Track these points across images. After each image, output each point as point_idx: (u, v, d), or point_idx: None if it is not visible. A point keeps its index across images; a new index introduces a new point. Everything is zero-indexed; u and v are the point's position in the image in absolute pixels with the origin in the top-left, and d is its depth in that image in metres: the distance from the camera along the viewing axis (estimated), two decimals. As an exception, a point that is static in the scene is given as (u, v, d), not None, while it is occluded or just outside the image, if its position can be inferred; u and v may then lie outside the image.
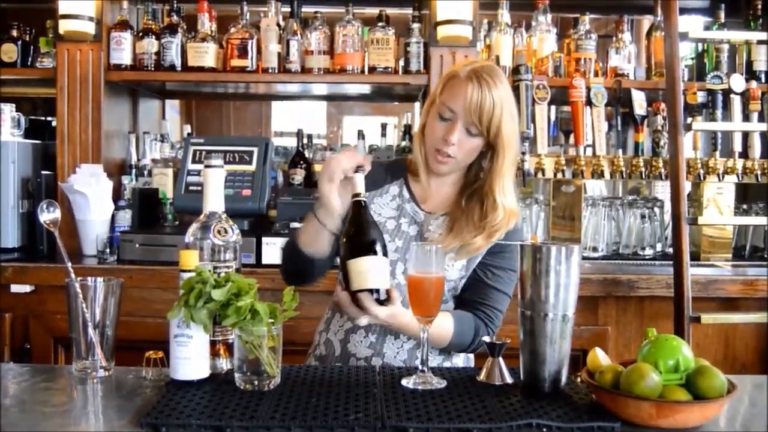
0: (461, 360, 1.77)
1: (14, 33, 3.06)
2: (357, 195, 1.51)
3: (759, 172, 2.86)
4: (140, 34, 2.94)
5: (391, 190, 1.76)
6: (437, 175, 1.73)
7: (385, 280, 1.44)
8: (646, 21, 3.42)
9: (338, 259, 1.52)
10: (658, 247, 3.00)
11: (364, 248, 1.43)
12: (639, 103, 2.89)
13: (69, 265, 1.44)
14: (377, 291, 1.42)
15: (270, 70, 2.91)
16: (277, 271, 1.77)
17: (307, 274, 1.68)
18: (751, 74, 3.01)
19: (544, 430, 1.14)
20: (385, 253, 1.45)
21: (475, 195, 1.70)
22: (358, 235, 1.45)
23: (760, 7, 3.08)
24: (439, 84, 1.69)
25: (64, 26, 2.85)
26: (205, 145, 2.77)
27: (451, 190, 1.75)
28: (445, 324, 1.61)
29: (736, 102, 2.82)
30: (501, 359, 1.39)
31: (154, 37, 2.92)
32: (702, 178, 2.86)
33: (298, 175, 3.10)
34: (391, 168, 1.81)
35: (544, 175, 2.83)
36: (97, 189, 2.75)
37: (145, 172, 3.10)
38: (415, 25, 2.93)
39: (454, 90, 1.62)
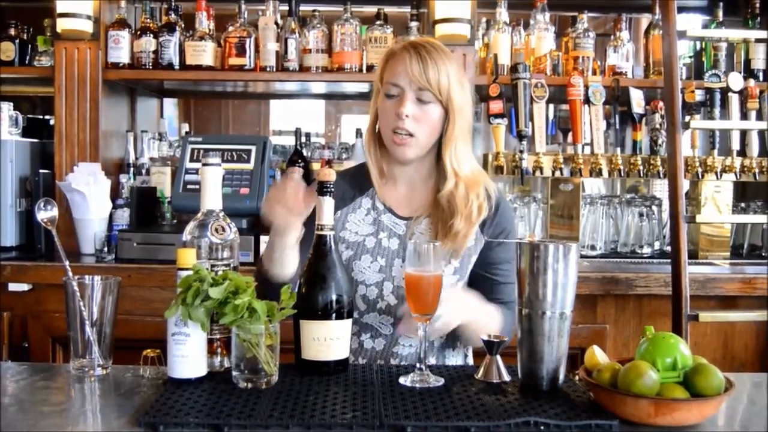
0: (460, 359, 1.74)
1: (12, 32, 3.06)
2: (322, 227, 1.35)
3: (757, 171, 2.86)
4: (138, 32, 2.94)
5: (363, 203, 1.68)
6: (402, 165, 1.64)
7: (345, 349, 1.33)
8: (645, 19, 3.42)
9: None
10: (657, 245, 3.01)
11: (323, 308, 1.30)
12: (637, 101, 2.89)
13: (67, 263, 1.44)
14: (332, 363, 1.32)
15: (268, 69, 2.91)
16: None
17: None
18: (749, 72, 3.01)
19: (542, 428, 1.14)
20: (349, 313, 1.31)
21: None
22: (318, 287, 1.31)
23: (758, 5, 3.08)
24: (379, 68, 1.63)
25: (61, 25, 2.85)
26: (203, 143, 2.76)
27: (424, 186, 1.68)
28: (494, 309, 1.58)
29: (734, 100, 2.82)
30: (499, 357, 1.39)
31: (152, 35, 2.92)
32: (700, 177, 2.87)
33: (296, 174, 3.09)
34: (357, 177, 1.71)
35: (542, 173, 2.82)
36: (95, 188, 2.75)
37: (143, 171, 3.10)
38: (413, 24, 2.93)
39: (395, 66, 1.58)
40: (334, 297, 1.35)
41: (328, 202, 1.37)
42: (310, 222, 1.44)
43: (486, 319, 1.55)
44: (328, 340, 1.33)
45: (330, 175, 1.38)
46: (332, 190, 1.38)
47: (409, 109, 1.55)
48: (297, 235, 1.48)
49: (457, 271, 1.64)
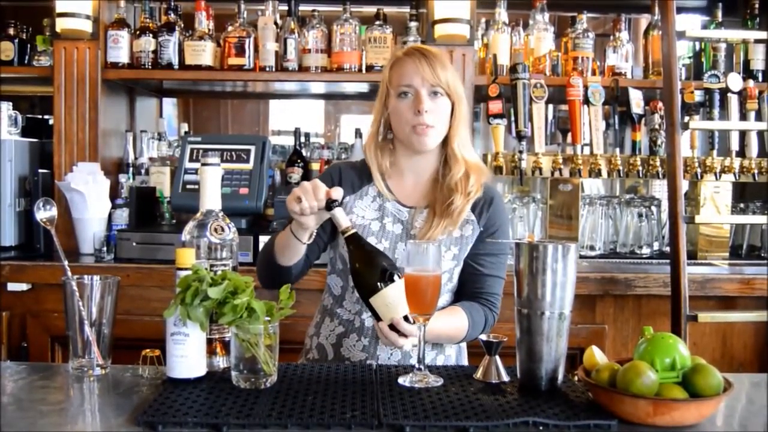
0: (453, 353, 1.78)
1: (11, 31, 3.06)
2: (345, 230, 1.44)
3: (756, 171, 2.86)
4: (137, 32, 2.94)
5: (369, 191, 1.77)
6: (413, 155, 1.74)
7: (405, 306, 1.41)
8: (644, 20, 3.42)
9: (356, 290, 1.47)
10: (656, 245, 3.01)
11: (380, 281, 1.38)
12: (636, 101, 2.89)
13: (66, 263, 1.45)
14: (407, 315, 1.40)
15: (267, 69, 2.91)
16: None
17: (283, 280, 1.63)
18: (748, 73, 3.01)
19: (541, 428, 1.14)
20: (399, 275, 1.40)
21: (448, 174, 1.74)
22: (368, 270, 1.40)
23: (757, 6, 3.09)
24: (385, 74, 1.74)
25: (61, 24, 2.85)
26: (203, 143, 2.76)
27: (429, 177, 1.77)
28: (459, 318, 1.66)
29: (734, 101, 2.82)
30: (498, 357, 1.39)
31: (151, 35, 2.92)
32: (699, 177, 2.87)
33: (296, 174, 3.09)
34: (365, 169, 1.80)
35: (541, 173, 2.83)
36: (95, 187, 2.75)
37: (143, 171, 3.10)
38: (413, 24, 2.93)
39: (403, 69, 1.70)
40: (385, 265, 1.40)
41: (338, 212, 1.44)
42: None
43: (449, 333, 1.68)
44: (398, 301, 1.39)
45: (336, 192, 1.46)
46: (339, 203, 1.45)
47: (428, 105, 1.66)
48: (311, 234, 1.57)
49: (456, 257, 1.73)
